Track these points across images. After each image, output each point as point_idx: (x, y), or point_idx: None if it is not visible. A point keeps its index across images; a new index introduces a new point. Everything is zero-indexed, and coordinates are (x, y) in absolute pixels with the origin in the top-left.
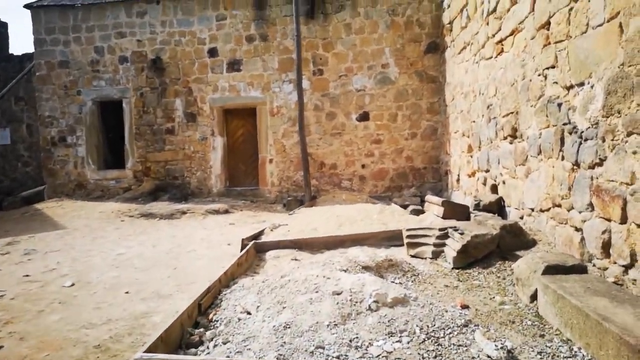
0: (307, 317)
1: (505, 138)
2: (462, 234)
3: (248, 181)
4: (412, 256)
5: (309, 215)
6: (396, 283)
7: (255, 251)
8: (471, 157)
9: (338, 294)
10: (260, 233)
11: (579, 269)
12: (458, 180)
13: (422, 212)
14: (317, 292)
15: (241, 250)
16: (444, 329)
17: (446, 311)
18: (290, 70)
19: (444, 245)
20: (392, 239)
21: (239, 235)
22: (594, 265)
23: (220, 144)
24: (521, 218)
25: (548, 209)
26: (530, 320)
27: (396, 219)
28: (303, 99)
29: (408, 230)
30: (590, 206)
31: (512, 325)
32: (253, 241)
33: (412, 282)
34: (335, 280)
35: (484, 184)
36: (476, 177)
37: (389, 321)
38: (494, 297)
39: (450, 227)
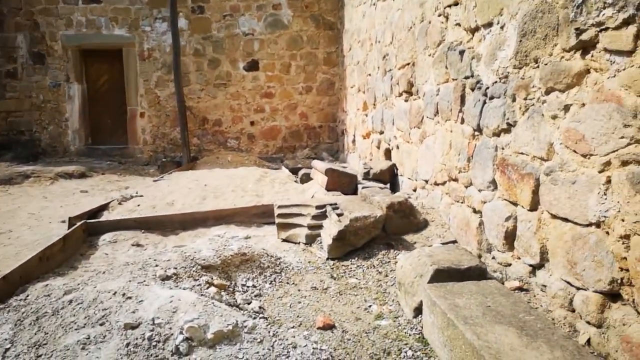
0: None
1: (400, 94)
2: (340, 215)
3: (116, 138)
4: (284, 240)
5: (172, 184)
6: (248, 287)
7: (87, 234)
8: (366, 115)
9: (133, 327)
10: (104, 208)
11: (477, 273)
12: (354, 141)
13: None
14: (102, 324)
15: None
16: None
17: (295, 347)
18: (164, 5)
19: (321, 227)
20: (266, 215)
21: (87, 207)
22: (493, 258)
23: (78, 92)
24: (414, 191)
25: (443, 183)
26: (411, 349)
27: (275, 189)
28: (179, 41)
29: (279, 207)
30: (493, 184)
31: (385, 359)
32: (83, 221)
33: (270, 283)
34: (136, 303)
35: (378, 147)
36: (370, 139)
37: None
38: (370, 307)
39: (329, 204)
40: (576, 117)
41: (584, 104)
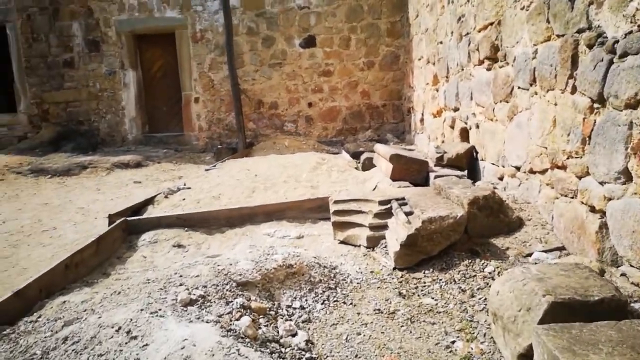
0: None
1: (481, 62)
2: (409, 213)
3: (172, 126)
4: (341, 242)
5: (223, 174)
6: (294, 310)
7: (127, 232)
8: (437, 90)
9: None
10: (148, 202)
11: (613, 307)
12: (422, 120)
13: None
14: None
15: None
16: None
17: None
18: None
19: (385, 227)
20: (322, 209)
21: (136, 200)
22: (623, 276)
23: (133, 79)
24: (500, 179)
25: (543, 171)
26: None
27: (332, 178)
28: (232, 19)
29: (336, 202)
30: (625, 175)
31: None
32: (122, 219)
33: (322, 303)
34: (140, 347)
35: (452, 126)
36: (442, 117)
37: None
38: (454, 343)
39: (395, 199)
40: None
41: None
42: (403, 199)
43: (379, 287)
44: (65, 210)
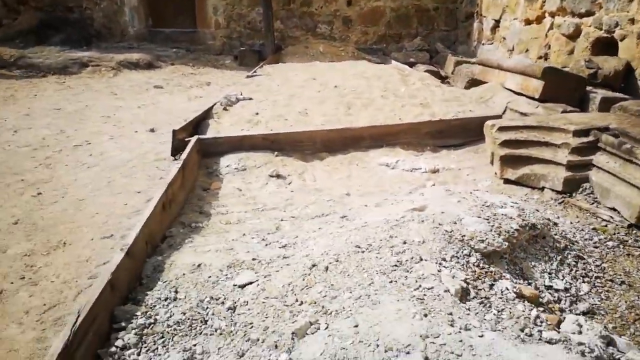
0: None
1: None
2: None
3: (181, 20)
4: (508, 181)
5: (284, 82)
6: (558, 293)
7: (200, 156)
8: None
9: None
10: (205, 115)
11: None
12: (495, 28)
13: (440, 77)
14: None
15: (173, 152)
16: None
17: None
18: None
19: (587, 166)
20: (444, 134)
21: (170, 110)
22: None
23: None
24: None
25: None
26: None
27: (438, 95)
28: None
29: (502, 129)
30: None
31: None
32: (196, 137)
33: (584, 282)
34: None
35: (570, 36)
36: (545, 23)
37: None
38: None
39: (598, 129)
40: None
41: None
42: (607, 128)
43: (629, 254)
44: (86, 118)
